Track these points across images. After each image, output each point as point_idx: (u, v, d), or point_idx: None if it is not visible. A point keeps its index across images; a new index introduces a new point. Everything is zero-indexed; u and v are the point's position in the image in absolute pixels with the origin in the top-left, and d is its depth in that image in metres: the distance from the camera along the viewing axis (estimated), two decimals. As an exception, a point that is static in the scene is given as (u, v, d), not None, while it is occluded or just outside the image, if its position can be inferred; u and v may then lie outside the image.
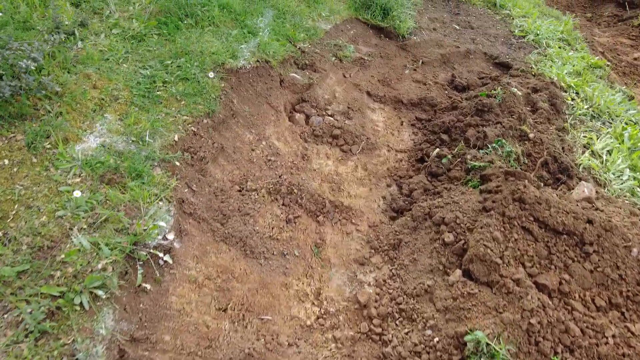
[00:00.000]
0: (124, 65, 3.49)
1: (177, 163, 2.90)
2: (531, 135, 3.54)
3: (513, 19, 7.16)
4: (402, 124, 4.42)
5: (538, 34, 6.51)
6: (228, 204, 2.91)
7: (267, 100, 3.91)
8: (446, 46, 5.69)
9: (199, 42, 3.95)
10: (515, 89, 4.06)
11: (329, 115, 4.17)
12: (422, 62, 5.32)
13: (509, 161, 3.27)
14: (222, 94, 3.51)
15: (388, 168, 3.82)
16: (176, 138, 3.00)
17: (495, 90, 4.03)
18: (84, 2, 4.01)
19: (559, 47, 6.30)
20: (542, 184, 2.90)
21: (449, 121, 3.99)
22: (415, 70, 5.21)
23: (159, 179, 2.70)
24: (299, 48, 4.80)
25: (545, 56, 5.90)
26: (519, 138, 3.57)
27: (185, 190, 2.80)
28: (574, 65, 5.66)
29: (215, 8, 4.46)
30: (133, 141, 2.88)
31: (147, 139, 2.90)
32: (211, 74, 3.53)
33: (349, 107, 4.36)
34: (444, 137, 3.88)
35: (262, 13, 4.97)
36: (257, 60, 4.03)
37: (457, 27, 6.47)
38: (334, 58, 4.97)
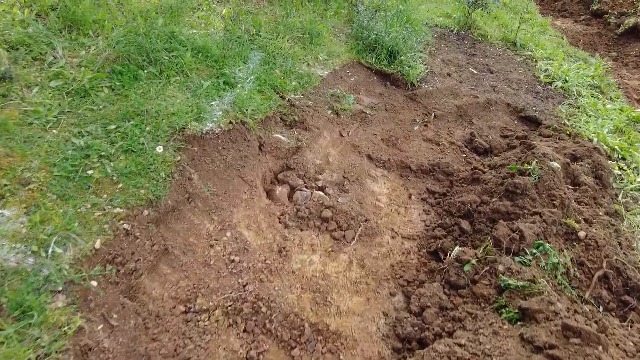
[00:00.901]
0: (53, 131, 2.71)
1: (94, 283, 2.07)
2: (582, 234, 2.68)
3: (536, 61, 6.39)
4: (410, 198, 3.58)
5: (567, 81, 5.71)
6: (161, 343, 2.05)
7: (239, 173, 3.10)
8: (462, 95, 4.90)
9: (158, 98, 3.17)
10: (554, 163, 3.21)
11: (318, 189, 3.35)
12: (435, 116, 4.51)
13: (555, 276, 2.39)
14: (176, 171, 2.70)
15: (392, 265, 2.95)
16: (98, 244, 2.18)
17: (528, 164, 3.18)
18: (23, 45, 3.27)
19: (592, 96, 5.48)
20: (606, 323, 2.02)
21: (471, 202, 3.14)
22: (426, 125, 4.40)
23: (57, 317, 1.87)
24: (289, 100, 4.03)
25: (578, 108, 5.08)
26: (565, 237, 2.70)
27: (98, 329, 1.95)
28: (612, 120, 4.83)
29: (187, 53, 3.72)
30: (33, 252, 2.05)
31: (53, 248, 2.08)
32: (159, 148, 2.72)
33: (344, 176, 3.53)
34: (464, 224, 3.02)
35: (246, 58, 4.22)
36: (231, 122, 3.24)
37: (474, 71, 5.70)
38: (330, 111, 4.18)
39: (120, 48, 3.46)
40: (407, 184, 3.70)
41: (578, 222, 2.84)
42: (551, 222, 2.67)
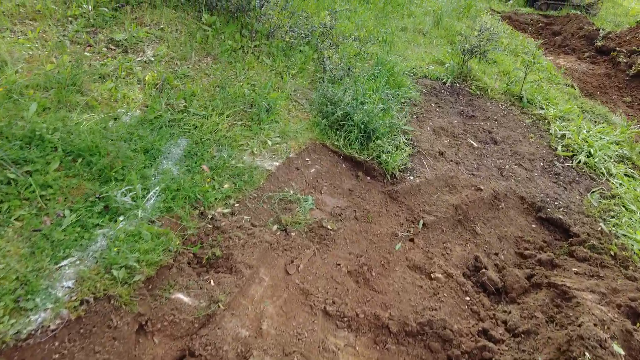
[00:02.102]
0: None
1: None
2: None
3: (549, 122, 5.21)
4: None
5: (590, 154, 4.52)
6: None
7: (88, 401, 1.81)
8: (461, 187, 3.67)
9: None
10: (618, 349, 1.95)
11: (238, 396, 2.06)
12: (424, 224, 3.27)
13: None
14: None
15: None
16: None
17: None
18: None
19: (627, 176, 4.29)
20: None
21: None
22: (412, 240, 3.15)
23: None
24: (212, 219, 2.79)
25: (613, 198, 3.87)
26: None
27: None
28: (661, 217, 3.62)
29: (53, 163, 2.49)
30: None
31: None
32: None
33: (284, 355, 2.26)
34: None
35: (158, 152, 3.00)
36: (85, 300, 1.97)
37: (474, 143, 4.50)
38: (275, 227, 2.94)
39: None
40: (384, 358, 2.42)
41: None
42: None
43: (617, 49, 9.39)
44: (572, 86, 6.86)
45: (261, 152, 3.45)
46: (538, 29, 12.41)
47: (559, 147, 4.60)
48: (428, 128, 4.58)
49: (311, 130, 3.81)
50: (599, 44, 10.12)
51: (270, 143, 3.53)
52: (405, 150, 3.79)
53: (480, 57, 5.73)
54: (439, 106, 5.21)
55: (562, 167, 4.32)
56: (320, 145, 3.71)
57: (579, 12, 12.52)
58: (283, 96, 4.20)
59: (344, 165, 3.64)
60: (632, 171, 4.51)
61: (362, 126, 3.68)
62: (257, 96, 3.84)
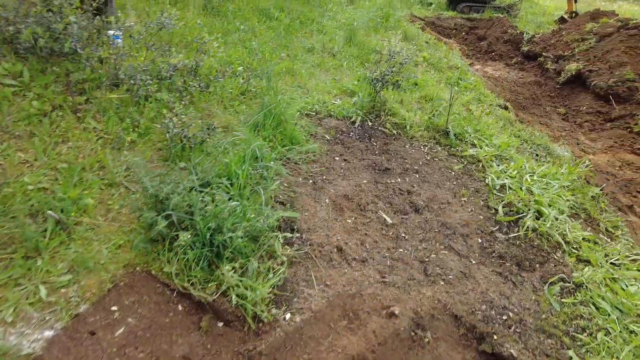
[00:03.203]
0: None
1: None
2: None
3: (484, 167, 4.14)
4: None
5: (539, 214, 3.46)
6: None
7: None
8: (366, 313, 2.41)
9: None
10: None
11: None
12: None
13: None
14: None
15: None
16: None
17: None
18: None
19: (586, 241, 3.26)
20: None
21: None
22: None
23: None
24: None
25: (579, 290, 2.78)
26: None
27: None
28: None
29: None
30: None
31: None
32: None
33: None
34: None
35: None
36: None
37: (388, 218, 3.28)
38: None
39: None
40: None
41: None
42: None
43: (544, 54, 8.76)
44: (506, 107, 5.93)
45: (23, 315, 2.00)
46: (462, 34, 11.75)
47: (500, 208, 3.50)
48: (327, 200, 3.32)
49: (131, 249, 2.41)
50: (525, 48, 9.49)
51: (43, 293, 2.09)
52: (277, 272, 2.46)
53: (394, 89, 4.59)
54: (345, 159, 3.98)
55: (506, 240, 3.21)
56: (142, 276, 2.32)
57: (501, 15, 11.99)
58: (103, 184, 2.78)
59: (180, 308, 2.27)
60: (591, 231, 3.50)
61: (207, 237, 2.33)
62: (49, 198, 2.39)
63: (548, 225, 3.29)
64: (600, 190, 4.24)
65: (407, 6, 12.62)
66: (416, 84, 5.85)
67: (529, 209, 3.48)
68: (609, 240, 3.50)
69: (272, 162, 3.34)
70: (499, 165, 4.16)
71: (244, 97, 4.67)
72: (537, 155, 4.64)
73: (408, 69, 4.75)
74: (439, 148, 4.43)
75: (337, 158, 3.99)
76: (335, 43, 7.05)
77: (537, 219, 3.43)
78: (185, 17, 6.72)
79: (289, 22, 7.87)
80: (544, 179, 3.94)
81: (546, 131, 6.48)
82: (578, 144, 6.23)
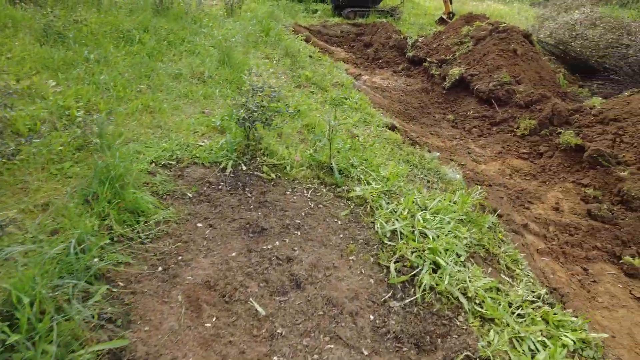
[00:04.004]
0: None
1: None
2: None
3: (372, 209, 3.66)
4: None
5: (436, 265, 3.04)
6: None
7: None
8: None
9: None
10: None
11: None
12: None
13: None
14: None
15: None
16: None
17: None
18: None
19: (492, 300, 2.88)
20: None
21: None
22: None
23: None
24: None
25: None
26: None
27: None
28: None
29: None
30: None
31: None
32: None
33: None
34: None
35: None
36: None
37: (260, 307, 2.62)
38: None
39: None
40: None
41: None
42: None
43: (428, 59, 8.75)
44: (393, 127, 5.60)
45: None
46: (350, 41, 11.56)
47: (392, 266, 3.01)
48: (179, 297, 2.56)
49: None
50: (410, 54, 9.47)
51: None
52: None
53: (264, 127, 3.95)
54: (211, 224, 3.25)
55: (402, 309, 2.72)
56: None
57: (384, 20, 12.01)
58: None
59: None
60: (492, 271, 3.16)
61: None
62: None
63: (446, 281, 2.86)
64: (496, 214, 4.00)
65: (292, 15, 12.16)
66: (298, 110, 5.29)
67: (424, 261, 3.03)
68: (510, 280, 3.19)
69: (96, 259, 2.49)
70: (388, 203, 3.71)
71: (80, 155, 3.71)
72: (428, 182, 4.31)
73: (281, 100, 4.14)
74: (324, 190, 3.87)
75: (200, 224, 3.24)
76: (206, 67, 6.24)
77: (435, 271, 2.99)
78: (13, 47, 5.48)
79: (154, 45, 6.89)
80: (437, 216, 3.56)
81: (437, 142, 6.31)
82: (469, 152, 6.13)
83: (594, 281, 4.04)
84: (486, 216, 3.70)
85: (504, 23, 8.44)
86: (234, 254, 3.01)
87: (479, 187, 4.88)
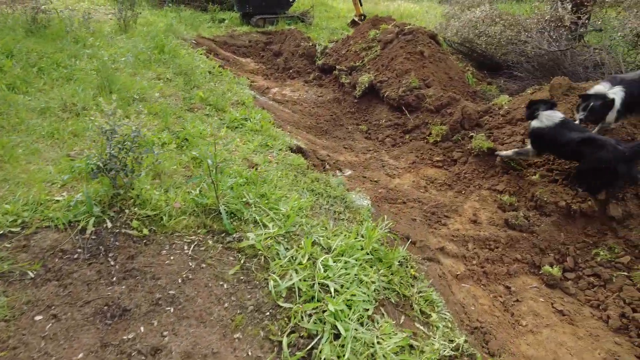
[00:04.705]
0: None
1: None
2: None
3: (265, 259, 3.10)
4: None
5: (338, 330, 2.53)
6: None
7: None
8: None
9: None
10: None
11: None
12: None
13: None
14: None
15: None
16: None
17: None
18: None
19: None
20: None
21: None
22: None
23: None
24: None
25: None
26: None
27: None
28: None
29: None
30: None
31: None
32: None
33: None
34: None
35: None
36: None
37: None
38: None
39: None
40: None
41: None
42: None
43: (337, 67, 8.39)
44: (299, 149, 5.10)
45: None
46: (259, 50, 10.97)
47: (284, 341, 2.46)
48: None
49: None
50: (320, 62, 9.08)
51: None
52: None
53: (126, 174, 3.25)
54: (55, 314, 2.51)
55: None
56: None
57: (292, 28, 11.55)
58: None
59: None
60: (405, 320, 2.72)
61: None
62: None
63: (348, 351, 2.36)
64: (409, 242, 3.61)
65: (195, 27, 11.34)
66: (186, 140, 4.61)
67: (325, 326, 2.52)
68: (425, 330, 2.78)
69: None
70: (287, 250, 3.17)
71: None
72: (335, 212, 3.83)
73: (145, 150, 3.45)
74: (210, 241, 3.25)
75: (39, 317, 2.49)
76: (80, 97, 5.35)
77: (336, 337, 2.49)
78: None
79: (18, 73, 5.86)
80: (342, 258, 3.08)
81: (351, 157, 5.91)
82: (383, 165, 5.79)
83: (517, 300, 3.80)
84: (396, 251, 3.28)
85: (410, 24, 8.29)
86: (81, 355, 2.31)
87: (391, 206, 4.51)
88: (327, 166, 5.29)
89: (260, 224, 3.43)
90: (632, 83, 4.60)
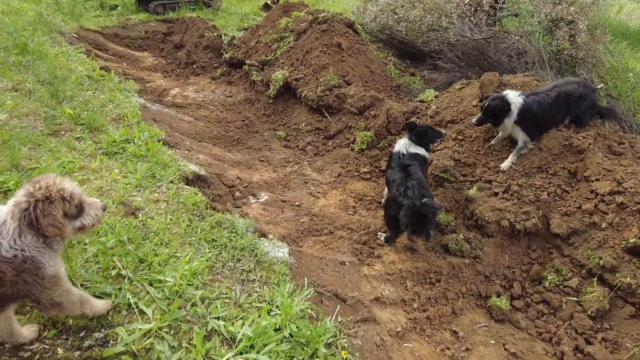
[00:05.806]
0: None
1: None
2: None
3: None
4: None
5: None
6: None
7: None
8: None
9: None
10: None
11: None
12: None
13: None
14: None
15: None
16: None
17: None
18: None
19: None
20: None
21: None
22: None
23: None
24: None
25: None
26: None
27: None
28: None
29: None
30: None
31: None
32: None
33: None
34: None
35: None
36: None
37: None
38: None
39: None
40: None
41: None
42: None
43: (247, 61, 7.37)
44: (199, 178, 4.11)
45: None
46: (158, 42, 9.54)
47: None
48: None
49: None
50: (227, 55, 7.97)
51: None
52: None
53: None
54: None
55: None
56: None
57: (194, 16, 10.20)
58: None
59: None
60: None
61: None
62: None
63: None
64: (336, 312, 2.86)
65: (77, 17, 9.56)
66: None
67: None
68: None
69: None
70: (173, 351, 2.27)
71: None
72: (242, 272, 2.97)
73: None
74: (61, 350, 2.25)
75: None
76: None
77: None
78: None
79: None
80: (250, 355, 2.25)
81: (268, 173, 5.04)
82: (306, 182, 5.01)
83: (467, 349, 3.24)
84: (322, 326, 2.51)
85: (325, 11, 7.46)
86: None
87: (316, 241, 3.77)
88: (238, 193, 4.38)
89: (136, 310, 2.48)
90: (541, 94, 4.27)
